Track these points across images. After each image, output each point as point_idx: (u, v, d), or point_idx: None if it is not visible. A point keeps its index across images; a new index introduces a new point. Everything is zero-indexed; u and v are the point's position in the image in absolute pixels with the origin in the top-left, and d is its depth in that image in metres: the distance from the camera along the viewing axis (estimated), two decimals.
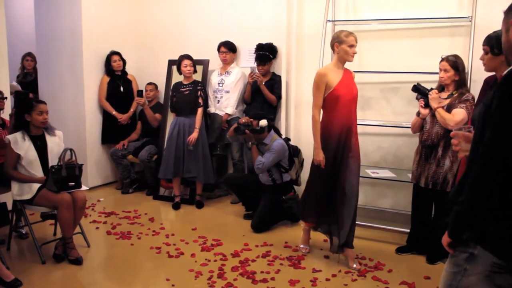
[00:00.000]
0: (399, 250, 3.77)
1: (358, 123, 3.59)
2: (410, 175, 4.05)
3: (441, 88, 3.57)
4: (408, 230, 3.90)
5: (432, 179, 3.48)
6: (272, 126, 4.47)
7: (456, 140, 1.88)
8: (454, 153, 3.39)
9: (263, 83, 4.85)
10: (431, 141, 3.47)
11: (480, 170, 1.53)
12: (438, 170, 3.45)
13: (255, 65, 4.94)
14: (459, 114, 3.33)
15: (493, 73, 3.69)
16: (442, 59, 3.49)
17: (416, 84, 3.58)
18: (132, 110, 5.57)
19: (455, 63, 3.45)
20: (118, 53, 5.55)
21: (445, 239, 1.65)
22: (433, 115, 3.46)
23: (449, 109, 3.39)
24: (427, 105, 3.50)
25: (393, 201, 4.48)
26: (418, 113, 3.60)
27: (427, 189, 3.53)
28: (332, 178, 3.44)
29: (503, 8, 1.67)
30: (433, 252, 3.56)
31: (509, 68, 1.56)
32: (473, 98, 3.43)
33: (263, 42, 4.94)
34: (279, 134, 4.50)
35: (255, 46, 4.96)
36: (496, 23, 1.72)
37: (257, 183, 4.45)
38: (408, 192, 4.40)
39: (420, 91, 3.55)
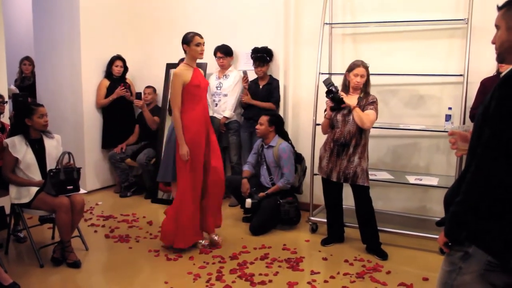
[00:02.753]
0: (324, 242, 3.96)
1: None
2: (408, 177, 4.09)
3: (346, 89, 3.78)
4: (406, 232, 3.94)
5: (344, 174, 3.70)
6: (279, 128, 4.49)
7: (453, 139, 1.89)
8: (362, 150, 3.67)
9: (261, 86, 4.94)
10: (344, 139, 3.67)
11: (477, 171, 1.53)
12: (349, 165, 3.68)
13: (252, 67, 4.95)
14: (372, 114, 3.60)
15: (491, 75, 3.74)
16: (358, 65, 3.66)
17: (331, 88, 3.62)
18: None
19: (367, 69, 3.68)
20: (122, 59, 5.55)
21: (441, 239, 1.66)
22: (345, 114, 3.65)
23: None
24: (334, 108, 3.66)
25: (391, 203, 4.49)
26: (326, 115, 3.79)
27: (338, 183, 3.77)
28: None
29: (499, 5, 1.67)
30: (371, 242, 3.77)
31: (509, 69, 1.56)
32: (377, 99, 3.69)
33: (261, 45, 4.94)
34: (286, 137, 4.54)
35: (251, 50, 4.97)
36: (492, 26, 1.72)
37: (257, 185, 4.46)
38: (406, 194, 4.43)
39: (334, 95, 3.63)
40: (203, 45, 3.68)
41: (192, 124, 3.64)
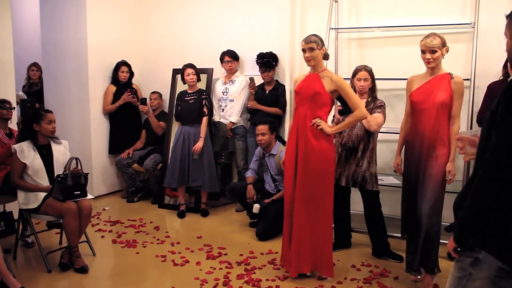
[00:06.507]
0: None
1: None
2: None
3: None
4: None
5: (352, 178, 3.69)
6: (277, 135, 4.50)
7: (461, 144, 1.89)
8: (370, 154, 3.65)
9: (267, 91, 4.96)
10: (352, 143, 3.65)
11: (485, 176, 1.53)
12: (357, 170, 3.67)
13: (258, 72, 4.97)
14: (380, 117, 3.61)
15: (497, 79, 3.73)
16: (360, 69, 3.68)
17: None
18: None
19: (371, 72, 3.69)
20: (127, 65, 5.59)
21: (451, 244, 1.65)
22: None
23: None
24: (342, 112, 3.60)
25: (398, 208, 4.45)
26: (333, 119, 3.77)
27: (347, 188, 3.76)
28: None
29: (506, 14, 1.68)
30: (378, 247, 3.78)
31: None
32: (384, 103, 3.70)
33: (267, 50, 4.96)
34: (282, 140, 4.53)
35: (256, 56, 4.98)
36: (498, 30, 1.73)
37: (262, 192, 4.46)
38: None
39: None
40: (308, 51, 3.24)
41: (289, 133, 3.47)
